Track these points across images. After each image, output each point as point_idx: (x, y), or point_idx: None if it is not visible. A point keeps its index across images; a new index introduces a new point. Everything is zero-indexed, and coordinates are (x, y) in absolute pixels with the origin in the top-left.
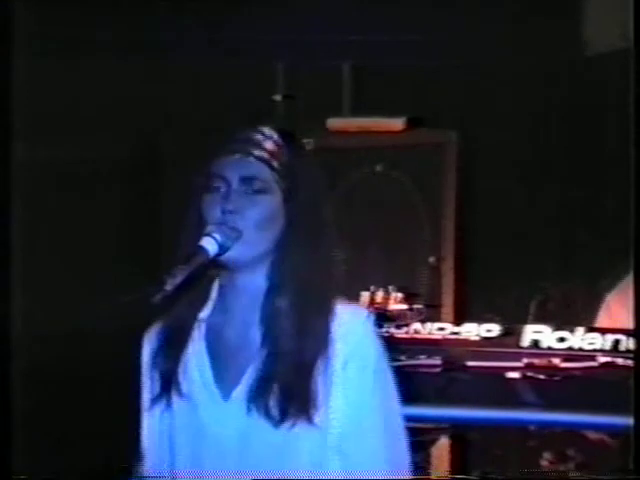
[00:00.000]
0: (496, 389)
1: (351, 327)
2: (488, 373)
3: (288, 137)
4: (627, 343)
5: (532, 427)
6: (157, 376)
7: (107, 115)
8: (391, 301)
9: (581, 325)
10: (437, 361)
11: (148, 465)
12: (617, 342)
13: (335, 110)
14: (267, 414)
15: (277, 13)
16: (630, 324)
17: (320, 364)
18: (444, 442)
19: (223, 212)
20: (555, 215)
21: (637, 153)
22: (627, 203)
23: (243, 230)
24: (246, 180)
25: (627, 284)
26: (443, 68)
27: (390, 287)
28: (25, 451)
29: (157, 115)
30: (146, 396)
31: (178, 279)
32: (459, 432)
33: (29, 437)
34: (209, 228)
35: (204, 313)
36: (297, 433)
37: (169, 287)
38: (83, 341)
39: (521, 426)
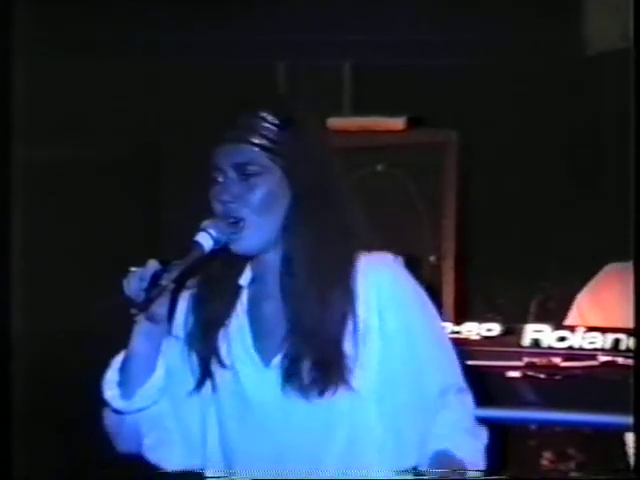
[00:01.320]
0: (497, 388)
1: (379, 274)
2: (489, 372)
3: (283, 115)
4: (627, 342)
5: (532, 426)
6: (197, 348)
7: (107, 115)
8: None
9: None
10: None
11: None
12: (617, 341)
13: (335, 110)
14: (304, 386)
15: (277, 13)
16: (599, 324)
17: (349, 324)
18: None
19: (222, 203)
20: (555, 214)
21: (637, 153)
22: (627, 202)
23: (245, 217)
24: (239, 166)
25: (597, 283)
26: (443, 68)
27: None
28: (25, 451)
29: (157, 115)
30: (185, 385)
31: (173, 274)
32: None
33: (29, 437)
34: (204, 224)
35: (243, 283)
36: (338, 398)
37: (165, 282)
38: (84, 340)
39: (521, 425)
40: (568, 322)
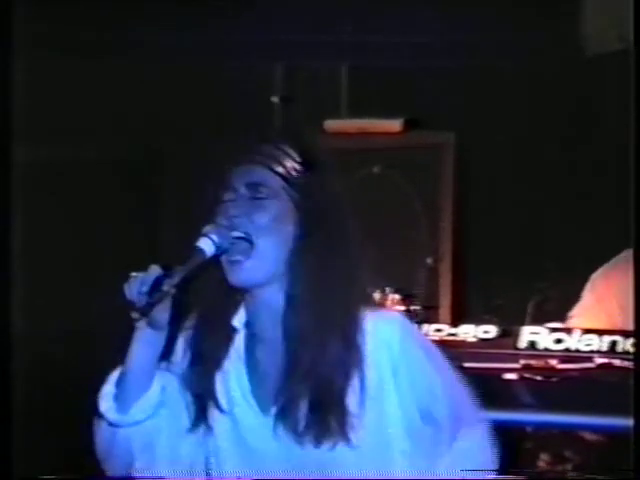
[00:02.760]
0: (493, 390)
1: (389, 334)
2: (485, 374)
3: (303, 150)
4: (624, 344)
5: (529, 428)
6: (193, 390)
7: (107, 115)
8: (388, 302)
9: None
10: None
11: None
12: (614, 343)
13: (333, 112)
14: (302, 437)
15: (275, 14)
16: (614, 304)
17: (354, 381)
18: None
19: (229, 218)
20: (553, 216)
21: (637, 153)
22: (626, 203)
23: (252, 238)
24: (252, 186)
25: (613, 265)
26: (440, 69)
27: (387, 288)
28: (26, 451)
29: (157, 116)
30: (182, 420)
31: (175, 280)
32: None
33: (29, 437)
34: (206, 229)
35: (237, 325)
36: (337, 452)
37: (166, 287)
38: (84, 340)
39: (518, 427)
40: (582, 302)
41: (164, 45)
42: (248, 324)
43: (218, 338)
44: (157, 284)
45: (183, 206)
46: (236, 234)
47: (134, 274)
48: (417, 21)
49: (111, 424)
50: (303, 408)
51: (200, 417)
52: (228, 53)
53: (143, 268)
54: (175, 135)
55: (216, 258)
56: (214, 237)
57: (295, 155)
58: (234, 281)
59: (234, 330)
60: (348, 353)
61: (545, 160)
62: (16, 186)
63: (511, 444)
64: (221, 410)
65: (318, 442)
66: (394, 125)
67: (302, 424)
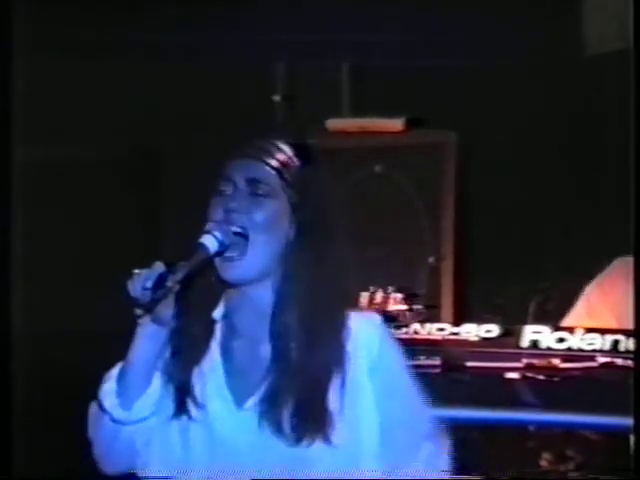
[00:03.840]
0: (495, 390)
1: (370, 335)
2: (487, 374)
3: (301, 150)
4: (627, 343)
5: (531, 427)
6: (173, 383)
7: (107, 115)
8: (390, 302)
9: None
10: (436, 362)
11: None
12: (616, 342)
13: (334, 110)
14: (281, 432)
15: (276, 13)
16: (608, 316)
17: (335, 380)
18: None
19: (227, 211)
20: (554, 215)
21: (637, 153)
22: (626, 203)
23: (249, 233)
24: (252, 182)
25: (606, 275)
26: (442, 68)
27: (390, 288)
28: (25, 450)
29: (157, 116)
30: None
31: (179, 276)
32: (458, 433)
33: (29, 437)
34: (209, 226)
35: (216, 324)
36: (314, 450)
37: (170, 284)
38: (83, 340)
39: (520, 427)
40: (575, 314)
41: (164, 46)
42: (226, 316)
43: (198, 330)
44: (161, 280)
45: (184, 205)
46: (233, 229)
47: (137, 271)
48: (419, 20)
49: (114, 421)
50: (287, 404)
51: (180, 410)
52: (229, 53)
53: (144, 267)
54: (175, 135)
55: (219, 255)
56: (217, 234)
57: (288, 150)
58: (227, 277)
59: (214, 322)
60: (333, 351)
61: (546, 159)
62: (16, 186)
63: (513, 443)
64: (197, 404)
65: (299, 438)
66: (396, 124)
67: (285, 420)
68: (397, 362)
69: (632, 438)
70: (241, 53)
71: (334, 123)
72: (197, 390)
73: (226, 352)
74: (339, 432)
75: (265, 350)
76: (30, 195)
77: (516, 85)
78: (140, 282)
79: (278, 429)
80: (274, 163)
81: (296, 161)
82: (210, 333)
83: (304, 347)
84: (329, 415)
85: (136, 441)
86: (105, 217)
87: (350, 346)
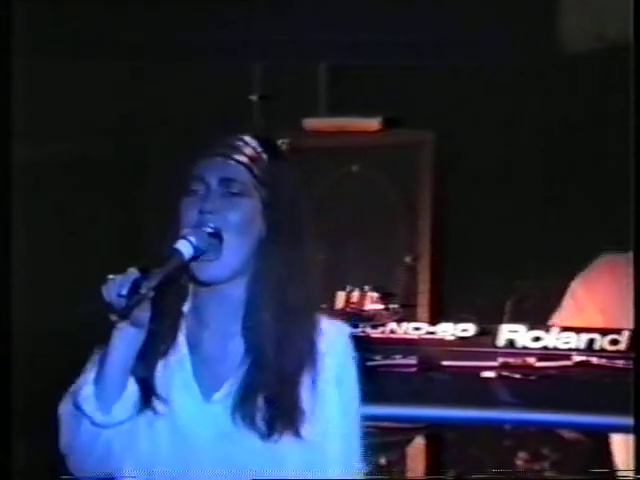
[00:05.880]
0: (472, 388)
1: (339, 343)
2: (464, 372)
3: (268, 144)
4: (602, 342)
5: (507, 426)
6: (137, 375)
7: (106, 115)
8: (367, 301)
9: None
10: (413, 361)
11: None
12: (592, 341)
13: (311, 110)
14: (252, 426)
15: (254, 13)
16: (594, 311)
17: (306, 377)
18: (420, 442)
19: (201, 212)
20: (530, 215)
21: (637, 153)
22: (601, 202)
23: (223, 234)
24: (225, 181)
25: (592, 270)
26: (419, 68)
27: (366, 287)
28: (25, 450)
29: (157, 116)
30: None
31: (153, 282)
32: (435, 432)
33: (29, 436)
34: (185, 231)
35: (184, 317)
36: (283, 444)
37: (144, 290)
38: (84, 339)
39: (496, 425)
40: (562, 309)
41: (164, 46)
42: (195, 309)
43: (166, 324)
44: (135, 287)
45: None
46: (208, 230)
47: (111, 276)
48: (396, 20)
49: (95, 424)
50: (258, 398)
51: (145, 404)
52: (207, 53)
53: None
54: (157, 134)
55: (194, 260)
56: (192, 239)
57: (255, 144)
58: (202, 277)
59: (181, 315)
60: (304, 348)
61: (522, 159)
62: (16, 186)
63: (489, 442)
64: (159, 397)
65: (269, 433)
66: (372, 124)
67: (256, 414)
68: (354, 378)
69: (633, 438)
70: (218, 53)
71: (311, 123)
72: (163, 383)
73: (194, 345)
74: (309, 427)
75: (234, 344)
76: (30, 195)
77: (493, 84)
78: (114, 288)
79: (248, 423)
80: (243, 159)
81: (264, 156)
82: (177, 326)
83: (275, 343)
84: (299, 410)
85: (114, 444)
86: (106, 217)
87: (322, 346)
